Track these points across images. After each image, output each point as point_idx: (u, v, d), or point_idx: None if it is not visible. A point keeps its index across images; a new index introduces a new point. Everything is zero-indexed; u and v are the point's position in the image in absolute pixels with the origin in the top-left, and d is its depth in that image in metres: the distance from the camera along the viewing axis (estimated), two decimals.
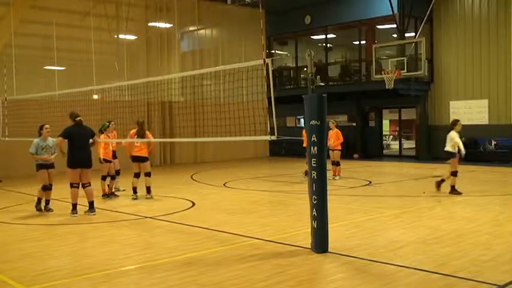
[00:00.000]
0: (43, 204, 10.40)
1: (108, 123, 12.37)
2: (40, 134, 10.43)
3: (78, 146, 9.85)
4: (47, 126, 10.50)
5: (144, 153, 11.92)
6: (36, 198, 10.52)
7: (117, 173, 12.77)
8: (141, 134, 11.81)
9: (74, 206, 9.92)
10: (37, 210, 10.32)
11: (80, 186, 10.00)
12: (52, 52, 17.66)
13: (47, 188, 10.32)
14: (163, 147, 22.29)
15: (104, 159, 11.91)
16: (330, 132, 14.91)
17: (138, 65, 21.39)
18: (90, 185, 10.01)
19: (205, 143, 22.32)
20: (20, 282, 5.75)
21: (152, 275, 5.92)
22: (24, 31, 18.64)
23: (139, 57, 21.71)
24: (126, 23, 20.80)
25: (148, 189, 11.94)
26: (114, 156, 12.60)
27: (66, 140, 9.90)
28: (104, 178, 11.97)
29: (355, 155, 22.94)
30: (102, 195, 11.87)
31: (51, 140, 10.48)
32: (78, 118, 10.13)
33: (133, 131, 12.01)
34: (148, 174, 11.95)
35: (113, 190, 12.23)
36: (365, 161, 21.91)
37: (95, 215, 9.81)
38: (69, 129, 10.00)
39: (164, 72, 21.11)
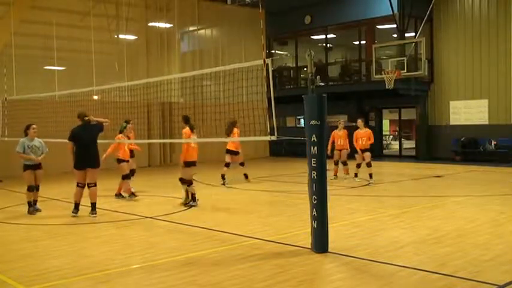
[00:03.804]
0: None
1: (125, 124, 12.21)
2: (26, 134, 10.32)
3: (84, 146, 9.78)
4: (34, 126, 10.38)
5: (234, 147, 14.38)
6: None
7: (132, 172, 12.73)
8: (228, 133, 13.78)
9: (76, 205, 9.82)
10: (29, 213, 10.13)
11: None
12: (52, 52, 17.68)
13: (32, 189, 10.21)
14: (163, 148, 22.26)
15: (120, 159, 11.76)
16: (339, 133, 14.88)
17: (138, 65, 21.39)
18: (93, 186, 9.81)
19: (205, 143, 22.28)
20: (20, 282, 5.75)
21: (152, 275, 5.92)
22: (24, 31, 18.64)
23: (139, 57, 21.71)
24: (126, 23, 20.81)
25: (246, 176, 14.66)
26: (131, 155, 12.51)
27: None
28: (125, 177, 11.77)
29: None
30: (128, 195, 11.77)
31: (37, 141, 10.35)
32: (87, 118, 10.04)
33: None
34: (242, 164, 14.66)
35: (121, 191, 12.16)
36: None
37: (95, 217, 9.65)
38: (75, 130, 9.93)
39: (164, 72, 21.12)
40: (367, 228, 8.18)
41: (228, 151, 14.63)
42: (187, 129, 10.79)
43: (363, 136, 14.22)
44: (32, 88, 17.12)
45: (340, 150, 14.84)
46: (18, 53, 17.40)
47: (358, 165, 14.47)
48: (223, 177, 14.45)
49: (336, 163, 14.90)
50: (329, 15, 23.64)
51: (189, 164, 10.66)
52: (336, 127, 15.10)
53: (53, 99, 16.23)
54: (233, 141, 13.97)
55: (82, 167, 9.77)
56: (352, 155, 15.00)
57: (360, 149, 14.19)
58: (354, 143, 14.34)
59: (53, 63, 18.15)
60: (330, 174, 14.92)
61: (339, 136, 14.83)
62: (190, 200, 10.72)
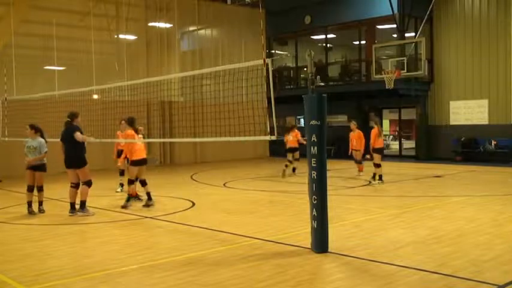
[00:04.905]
0: (36, 206, 10.22)
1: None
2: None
3: (64, 147, 10.03)
4: (27, 126, 10.31)
5: (295, 144, 15.91)
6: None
7: (122, 173, 12.68)
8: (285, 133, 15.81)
9: (71, 205, 9.90)
10: (29, 213, 10.09)
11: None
12: (52, 52, 17.66)
13: (30, 189, 10.17)
14: (163, 147, 22.28)
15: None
16: (352, 134, 15.59)
17: (138, 65, 21.38)
18: (83, 185, 9.88)
19: (205, 143, 22.31)
20: (20, 282, 5.75)
21: (152, 275, 5.92)
22: (24, 31, 18.64)
23: (139, 57, 21.71)
24: (126, 23, 20.82)
25: (294, 169, 16.02)
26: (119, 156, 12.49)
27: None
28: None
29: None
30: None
31: (37, 141, 10.14)
32: (67, 119, 10.17)
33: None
34: (296, 159, 16.03)
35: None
36: (365, 161, 21.88)
37: (85, 215, 9.70)
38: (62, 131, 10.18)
39: (164, 72, 21.12)
40: (367, 228, 8.18)
41: (290, 149, 16.11)
42: (131, 132, 10.70)
43: (371, 135, 14.18)
44: (32, 88, 17.10)
45: (356, 151, 15.67)
46: (18, 53, 17.38)
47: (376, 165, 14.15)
48: (293, 170, 16.01)
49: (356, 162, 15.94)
50: (329, 15, 23.63)
51: (136, 163, 10.61)
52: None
53: (53, 99, 16.21)
54: (291, 140, 15.91)
55: (66, 166, 10.00)
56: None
57: (372, 148, 14.04)
58: None
59: (53, 63, 18.13)
60: (352, 173, 16.00)
61: (352, 137, 15.66)
62: (147, 200, 10.70)
